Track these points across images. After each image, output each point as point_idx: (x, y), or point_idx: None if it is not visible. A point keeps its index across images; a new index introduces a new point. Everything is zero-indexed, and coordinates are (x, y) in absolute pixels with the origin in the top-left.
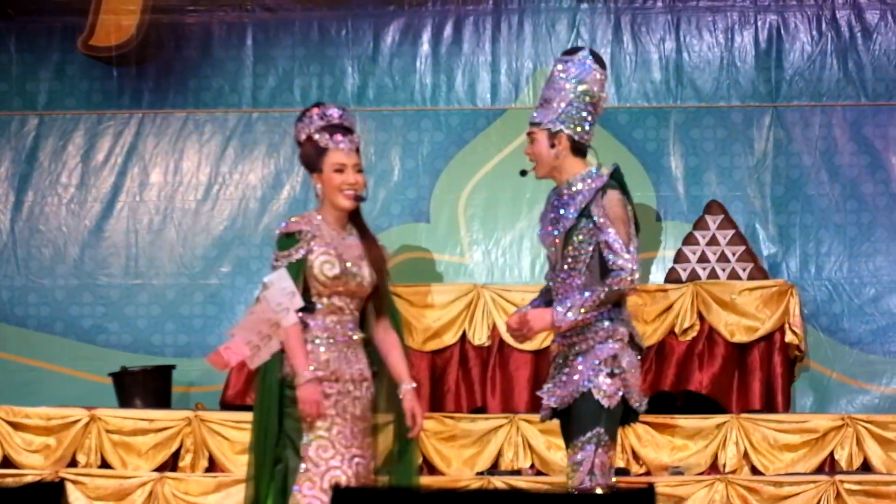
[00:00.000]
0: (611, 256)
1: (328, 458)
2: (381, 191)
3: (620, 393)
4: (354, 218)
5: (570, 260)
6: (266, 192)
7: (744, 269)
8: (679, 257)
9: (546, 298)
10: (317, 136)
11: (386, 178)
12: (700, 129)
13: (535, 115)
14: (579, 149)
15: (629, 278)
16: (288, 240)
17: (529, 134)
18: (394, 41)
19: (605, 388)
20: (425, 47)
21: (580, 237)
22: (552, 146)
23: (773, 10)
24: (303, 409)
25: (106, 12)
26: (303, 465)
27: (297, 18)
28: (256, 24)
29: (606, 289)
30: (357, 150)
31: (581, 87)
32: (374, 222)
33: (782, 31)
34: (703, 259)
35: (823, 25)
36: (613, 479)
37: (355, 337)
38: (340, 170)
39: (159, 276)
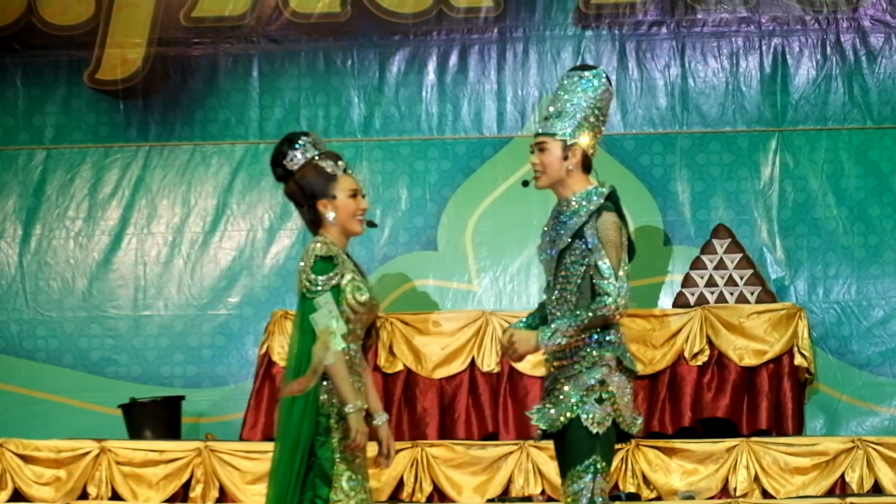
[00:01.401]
0: (598, 281)
1: (358, 489)
2: (389, 219)
3: (611, 418)
4: None
5: (561, 280)
6: (274, 222)
7: (752, 293)
8: (687, 281)
9: (541, 313)
10: (320, 163)
11: (393, 207)
12: (706, 154)
13: (546, 125)
14: (588, 164)
15: (613, 305)
16: (325, 264)
17: (540, 144)
18: (399, 71)
19: (594, 416)
20: (431, 76)
21: (572, 258)
22: (565, 158)
23: (778, 34)
24: (356, 439)
25: (112, 46)
26: (333, 496)
27: (302, 49)
28: (262, 55)
29: (590, 314)
30: None
31: (596, 103)
32: (381, 251)
33: (787, 56)
34: (710, 283)
35: (828, 49)
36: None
37: (363, 367)
38: (354, 195)
39: (167, 307)
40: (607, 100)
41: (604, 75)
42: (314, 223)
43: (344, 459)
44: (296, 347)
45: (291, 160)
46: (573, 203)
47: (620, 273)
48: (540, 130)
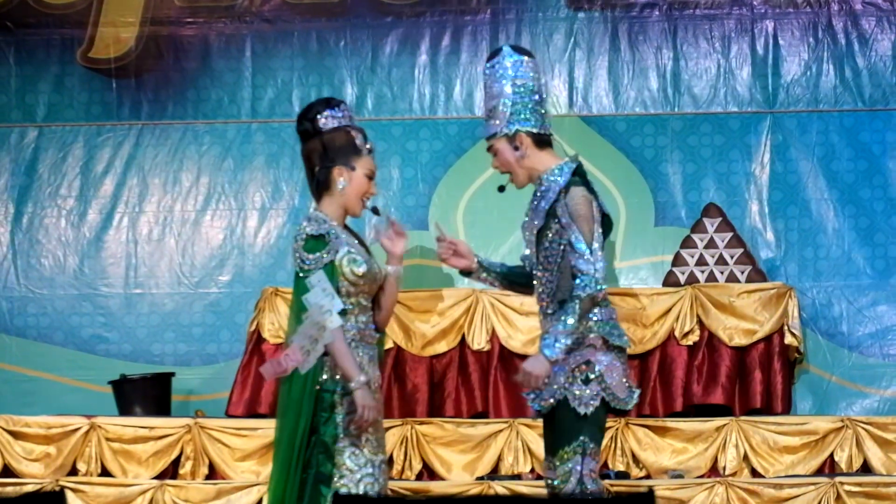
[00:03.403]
0: (574, 260)
1: (362, 464)
2: (381, 199)
3: (599, 397)
4: None
5: (542, 260)
6: (265, 201)
7: (742, 272)
8: (677, 260)
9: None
10: (353, 133)
11: (385, 187)
12: (698, 135)
13: (486, 128)
14: (542, 141)
15: (594, 282)
16: (316, 242)
17: (490, 149)
18: (392, 51)
19: (581, 397)
20: (423, 57)
21: (550, 236)
22: (515, 149)
23: (770, 17)
24: (361, 414)
25: (105, 25)
26: (336, 472)
27: (295, 29)
28: (255, 35)
29: (577, 302)
30: None
31: (517, 82)
32: (372, 230)
33: (779, 38)
34: (701, 262)
35: (820, 32)
36: (602, 483)
37: (377, 337)
38: (371, 177)
39: (159, 285)
40: (528, 72)
41: (510, 52)
42: (321, 187)
43: (347, 435)
44: (293, 326)
45: (326, 118)
46: (545, 181)
47: (595, 246)
48: (484, 136)
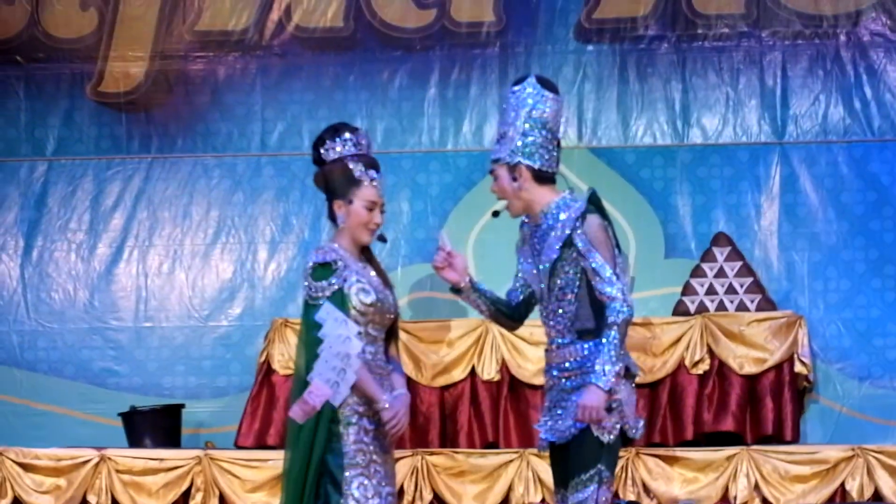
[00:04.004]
0: (600, 286)
1: (370, 496)
2: (391, 232)
3: (618, 426)
4: (364, 248)
5: (556, 291)
6: (275, 234)
7: (752, 301)
8: (687, 290)
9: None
10: (352, 165)
11: (395, 220)
12: (707, 167)
13: (493, 151)
14: (543, 177)
15: (626, 307)
16: (323, 270)
17: (491, 172)
18: (402, 85)
19: (604, 425)
20: (433, 90)
21: (566, 268)
22: (514, 180)
23: (778, 48)
24: (392, 428)
25: (114, 59)
26: (343, 502)
27: (305, 63)
28: (264, 69)
29: (613, 330)
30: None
31: (533, 115)
32: (382, 263)
33: (787, 70)
34: (710, 291)
35: (828, 63)
36: None
37: (388, 368)
38: (371, 208)
39: (169, 318)
40: (546, 106)
41: (534, 83)
42: (331, 218)
43: (354, 465)
44: (302, 359)
45: (327, 150)
46: (547, 216)
47: (619, 271)
48: (490, 157)
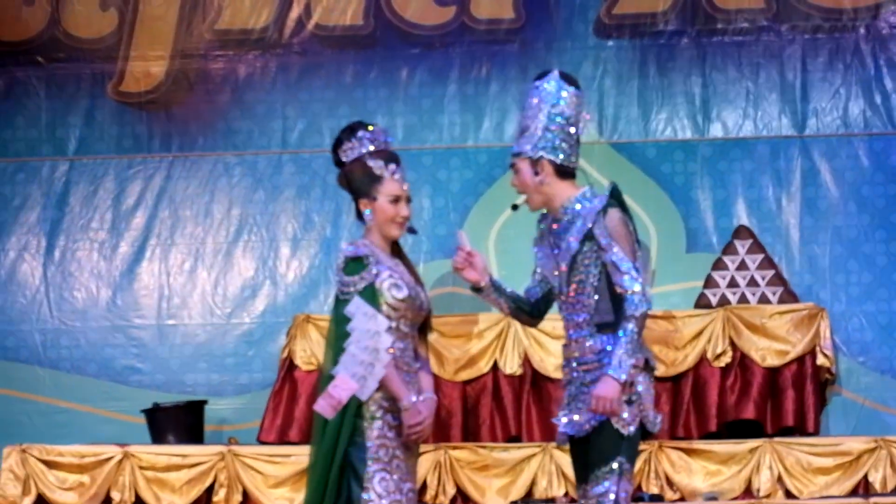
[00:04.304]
0: (619, 279)
1: (391, 490)
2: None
3: (638, 419)
4: (394, 244)
5: (575, 285)
6: (297, 232)
7: (774, 293)
8: (709, 283)
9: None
10: (370, 163)
11: (416, 216)
12: (727, 161)
13: (515, 145)
14: (565, 172)
15: (644, 300)
16: (356, 264)
17: (512, 165)
18: (422, 82)
19: (624, 417)
20: (453, 87)
21: (586, 262)
22: (536, 174)
23: (798, 43)
24: (419, 433)
25: (135, 59)
26: (364, 496)
27: (325, 61)
28: (285, 67)
29: (631, 323)
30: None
31: (555, 110)
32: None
33: (807, 64)
34: (732, 284)
35: (848, 57)
36: None
37: (415, 366)
38: (395, 201)
39: (191, 316)
40: (568, 102)
41: (557, 78)
42: (359, 218)
43: (377, 460)
44: (331, 352)
45: (346, 151)
46: (567, 211)
47: (638, 265)
48: (512, 151)
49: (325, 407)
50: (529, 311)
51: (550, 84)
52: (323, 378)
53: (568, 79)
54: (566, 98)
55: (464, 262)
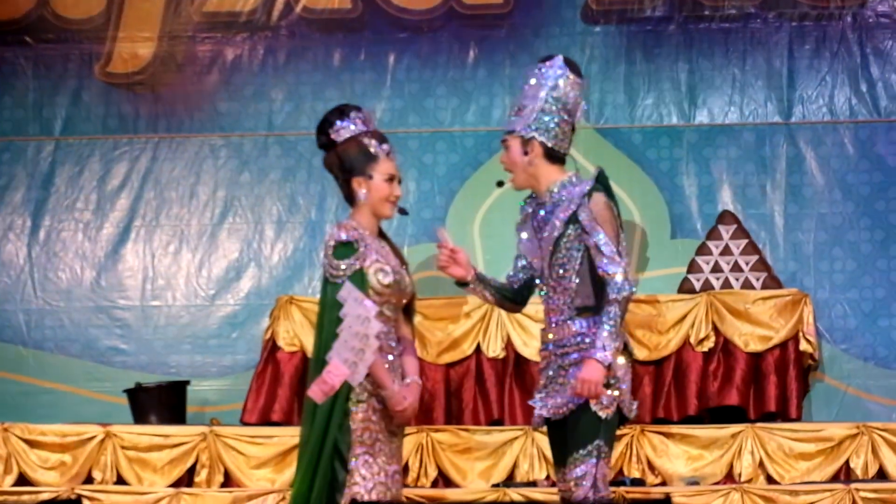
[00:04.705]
0: (602, 262)
1: (375, 472)
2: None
3: (615, 403)
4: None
5: (557, 268)
6: (282, 214)
7: (757, 279)
8: (692, 267)
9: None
10: (365, 140)
11: (402, 200)
12: (713, 147)
13: (508, 123)
14: (554, 156)
15: (627, 284)
16: (345, 248)
17: (503, 142)
18: (409, 66)
19: (602, 400)
20: (440, 71)
21: (568, 245)
22: (525, 153)
23: (785, 30)
24: (404, 416)
25: (123, 39)
26: (349, 479)
27: (313, 44)
28: (272, 50)
29: (614, 307)
30: None
31: (554, 94)
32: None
33: (794, 51)
34: (716, 269)
35: (834, 45)
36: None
37: (398, 349)
38: (390, 180)
39: (175, 298)
40: (569, 88)
41: (563, 65)
42: (348, 198)
43: (361, 443)
44: (322, 334)
45: (338, 131)
46: (552, 194)
47: (621, 249)
48: (504, 129)
49: (317, 392)
50: (513, 298)
51: (554, 68)
52: (315, 363)
53: (571, 65)
54: (566, 83)
55: (448, 259)
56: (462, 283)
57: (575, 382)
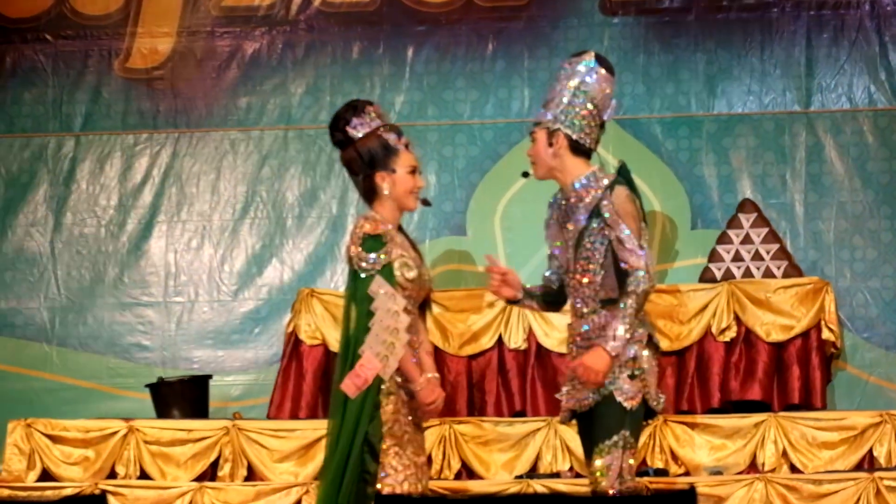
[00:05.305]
0: (624, 255)
1: (406, 464)
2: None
3: (641, 395)
4: None
5: (582, 261)
6: (303, 209)
7: (778, 268)
8: (713, 256)
9: (547, 288)
10: (384, 135)
11: (422, 193)
12: (732, 137)
13: (537, 115)
14: (579, 149)
15: (647, 278)
16: (374, 241)
17: (531, 134)
18: (428, 59)
19: (627, 391)
20: (459, 64)
21: (592, 238)
22: (550, 145)
23: (803, 19)
24: (431, 410)
25: (142, 35)
26: (382, 472)
27: (331, 38)
28: (291, 44)
29: (631, 299)
30: None
31: (583, 88)
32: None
33: (812, 40)
34: (737, 258)
35: (853, 33)
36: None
37: (418, 341)
38: (413, 172)
39: (198, 293)
40: (599, 83)
41: (592, 60)
42: (368, 193)
43: (391, 435)
44: (352, 327)
45: (354, 127)
46: (576, 190)
47: (643, 242)
48: (533, 120)
49: (350, 386)
50: (555, 299)
51: (583, 64)
52: (343, 356)
53: (602, 61)
54: (596, 79)
55: (500, 283)
56: (512, 301)
57: (575, 364)
